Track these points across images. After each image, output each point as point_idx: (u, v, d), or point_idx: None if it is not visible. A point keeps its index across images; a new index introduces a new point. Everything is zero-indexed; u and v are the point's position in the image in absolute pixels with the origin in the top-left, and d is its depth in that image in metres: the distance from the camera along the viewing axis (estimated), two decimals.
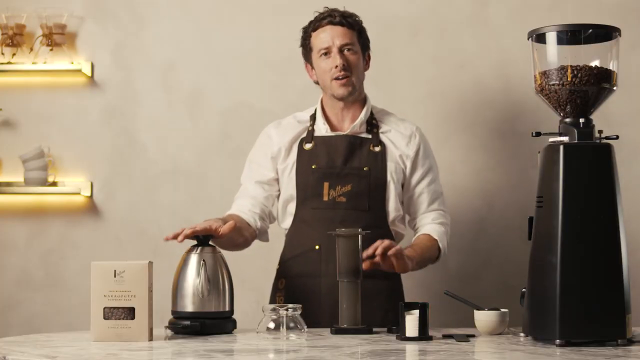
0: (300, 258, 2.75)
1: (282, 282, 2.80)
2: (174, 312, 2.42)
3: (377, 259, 2.48)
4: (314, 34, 2.76)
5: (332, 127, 2.79)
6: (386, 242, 2.49)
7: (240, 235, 2.70)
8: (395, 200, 2.75)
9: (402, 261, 2.53)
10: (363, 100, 2.80)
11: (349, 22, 2.74)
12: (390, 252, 2.48)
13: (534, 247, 2.28)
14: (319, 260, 2.70)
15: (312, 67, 2.80)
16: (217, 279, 2.44)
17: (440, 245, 2.75)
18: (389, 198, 2.74)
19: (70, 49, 3.51)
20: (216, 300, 2.42)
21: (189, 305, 2.40)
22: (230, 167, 3.46)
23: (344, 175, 2.72)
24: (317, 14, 2.79)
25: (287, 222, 2.79)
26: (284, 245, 2.84)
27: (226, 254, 3.47)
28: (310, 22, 2.79)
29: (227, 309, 2.45)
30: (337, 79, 2.72)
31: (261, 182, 2.80)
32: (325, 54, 2.73)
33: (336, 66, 2.71)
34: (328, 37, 2.72)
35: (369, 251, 2.48)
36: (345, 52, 2.73)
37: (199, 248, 2.46)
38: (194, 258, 2.44)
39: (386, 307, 2.68)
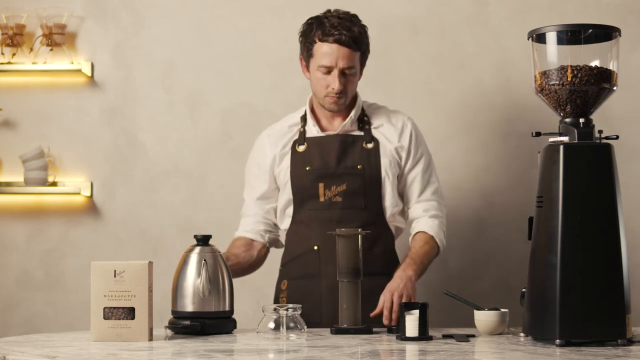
0: (300, 259, 2.76)
1: (284, 284, 2.80)
2: (174, 312, 2.42)
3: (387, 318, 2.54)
4: (318, 43, 2.68)
5: (323, 128, 2.79)
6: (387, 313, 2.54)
7: (249, 256, 2.80)
8: (392, 195, 2.74)
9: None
10: (353, 99, 2.78)
11: (357, 43, 2.67)
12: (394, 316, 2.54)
13: (534, 247, 2.28)
14: (318, 261, 2.71)
15: (307, 67, 2.77)
16: (218, 278, 2.44)
17: (438, 241, 2.75)
18: (385, 194, 2.74)
19: (70, 49, 3.51)
20: (216, 300, 2.42)
21: (189, 305, 2.40)
22: (230, 167, 3.46)
23: (338, 174, 2.72)
24: (327, 13, 2.71)
25: (286, 223, 2.80)
26: (284, 247, 2.84)
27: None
28: (319, 25, 2.69)
29: (227, 308, 2.45)
30: (331, 96, 2.70)
31: (260, 198, 2.82)
32: (326, 70, 2.69)
33: (333, 87, 2.68)
34: (332, 57, 2.66)
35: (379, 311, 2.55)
36: (346, 73, 2.68)
37: (199, 248, 2.46)
38: (194, 258, 2.44)
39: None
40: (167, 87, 3.53)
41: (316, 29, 2.70)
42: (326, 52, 2.67)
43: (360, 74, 2.77)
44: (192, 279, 2.41)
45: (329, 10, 2.73)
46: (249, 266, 2.80)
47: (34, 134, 3.53)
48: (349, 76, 2.69)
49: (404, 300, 2.54)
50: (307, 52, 2.73)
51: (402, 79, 3.47)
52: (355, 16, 2.72)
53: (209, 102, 3.52)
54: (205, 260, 2.43)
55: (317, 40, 2.69)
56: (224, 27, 3.53)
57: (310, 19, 2.74)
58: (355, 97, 2.78)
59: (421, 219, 2.77)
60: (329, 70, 2.68)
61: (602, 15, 3.38)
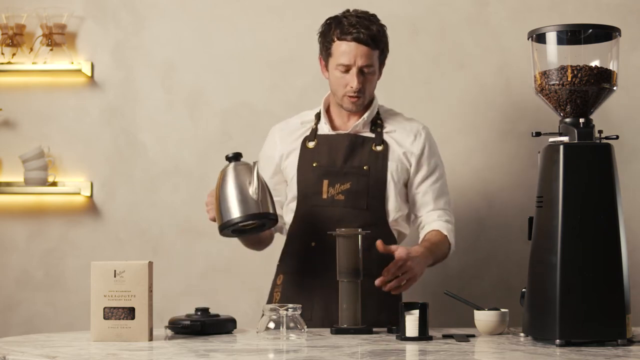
0: (297, 255, 2.76)
1: (280, 278, 2.80)
2: (222, 225, 2.46)
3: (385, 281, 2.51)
4: (337, 42, 2.68)
5: (336, 127, 2.79)
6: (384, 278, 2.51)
7: None
8: (396, 199, 2.74)
9: (411, 272, 2.53)
10: (369, 101, 2.79)
11: (375, 42, 2.67)
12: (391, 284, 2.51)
13: (534, 247, 2.28)
14: (314, 258, 2.71)
15: (326, 66, 2.77)
16: (263, 182, 2.49)
17: (450, 241, 2.75)
18: (389, 197, 2.74)
19: (70, 49, 3.51)
20: (264, 201, 2.46)
21: (235, 211, 2.43)
22: None
23: (344, 173, 2.72)
24: (345, 13, 2.71)
25: (288, 218, 2.80)
26: (284, 242, 2.84)
27: (224, 254, 3.48)
28: (337, 24, 2.69)
29: (271, 211, 2.48)
30: (349, 96, 2.71)
31: None
32: (344, 68, 2.69)
33: (352, 86, 2.68)
34: (351, 55, 2.66)
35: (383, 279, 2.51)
36: (365, 71, 2.68)
37: (234, 163, 2.50)
38: (232, 171, 2.47)
39: (379, 308, 2.64)
40: (167, 87, 3.53)
41: (335, 28, 2.70)
42: (344, 50, 2.67)
43: (380, 73, 2.77)
44: (242, 185, 2.44)
45: (347, 10, 2.73)
46: (258, 237, 2.79)
47: (34, 134, 3.53)
48: (367, 75, 2.69)
49: (407, 278, 2.52)
50: (326, 52, 2.74)
51: (402, 79, 3.47)
52: (374, 15, 2.73)
53: (209, 102, 3.52)
54: (255, 162, 2.46)
55: (335, 39, 2.69)
56: (224, 27, 3.53)
57: (329, 18, 2.75)
58: (371, 99, 2.79)
59: (434, 222, 2.77)
60: (347, 69, 2.68)
61: (602, 15, 3.38)
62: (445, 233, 2.75)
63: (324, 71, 2.78)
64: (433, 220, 2.78)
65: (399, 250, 2.51)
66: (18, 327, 3.48)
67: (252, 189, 2.44)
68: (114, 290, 2.25)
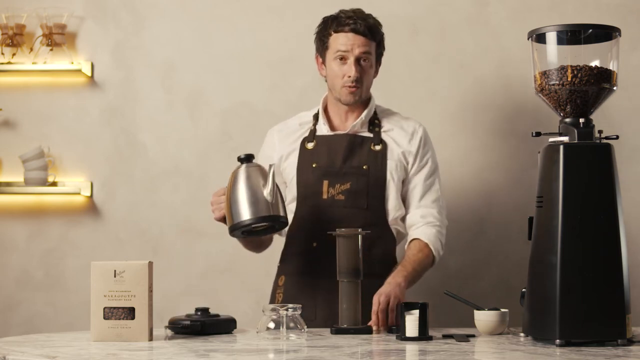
0: (298, 256, 2.76)
1: (281, 279, 2.80)
2: (233, 226, 2.48)
3: (376, 320, 2.51)
4: (334, 35, 2.72)
5: (334, 127, 2.79)
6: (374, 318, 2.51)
7: None
8: (396, 198, 2.75)
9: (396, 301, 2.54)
10: (367, 101, 2.79)
11: (372, 33, 2.71)
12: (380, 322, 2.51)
13: (534, 247, 2.28)
14: (315, 258, 2.71)
15: (323, 62, 2.79)
16: (277, 186, 2.51)
17: (433, 250, 2.73)
18: (389, 197, 2.74)
19: (70, 49, 3.51)
20: (276, 204, 2.48)
21: (245, 214, 2.46)
22: (230, 167, 3.44)
23: (343, 173, 2.72)
24: (341, 9, 2.75)
25: (289, 218, 2.80)
26: (284, 243, 2.84)
27: (224, 254, 3.48)
28: (333, 19, 2.74)
29: (282, 213, 2.51)
30: (347, 86, 2.71)
31: None
32: (341, 58, 2.71)
33: (349, 76, 2.70)
34: (348, 44, 2.69)
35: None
36: (362, 62, 2.70)
37: (245, 164, 2.52)
38: (247, 170, 2.50)
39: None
40: (167, 87, 3.53)
41: (331, 23, 2.74)
42: (342, 41, 2.70)
43: (376, 71, 2.79)
44: (250, 188, 2.47)
45: (341, 9, 2.77)
46: (259, 239, 2.80)
47: (34, 134, 3.53)
48: (364, 66, 2.71)
49: (391, 303, 2.52)
50: (322, 46, 2.76)
51: (402, 79, 3.47)
52: (369, 14, 2.76)
53: (209, 102, 3.52)
54: (271, 165, 2.48)
55: (332, 33, 2.73)
56: (224, 27, 3.53)
57: (325, 17, 2.78)
58: (369, 99, 2.79)
59: (418, 226, 2.76)
60: (344, 58, 2.70)
61: (602, 15, 3.38)
62: (426, 241, 2.73)
63: (321, 69, 2.79)
64: (416, 222, 2.76)
65: (374, 301, 2.52)
66: (18, 327, 3.48)
67: (266, 191, 2.46)
68: (114, 290, 2.25)
